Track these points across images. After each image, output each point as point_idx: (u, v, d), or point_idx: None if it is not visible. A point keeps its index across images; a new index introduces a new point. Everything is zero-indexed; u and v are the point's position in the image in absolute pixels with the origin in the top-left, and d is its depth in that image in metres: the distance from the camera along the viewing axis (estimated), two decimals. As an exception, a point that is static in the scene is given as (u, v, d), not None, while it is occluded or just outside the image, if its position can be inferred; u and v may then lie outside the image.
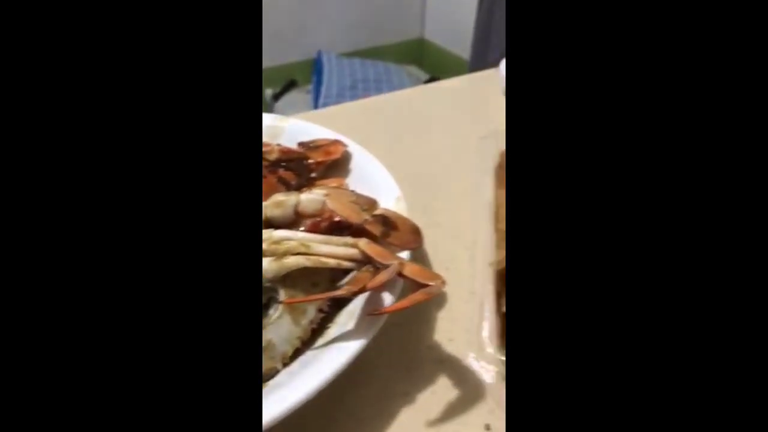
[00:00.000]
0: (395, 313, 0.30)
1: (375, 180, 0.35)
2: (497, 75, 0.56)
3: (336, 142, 0.38)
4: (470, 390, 0.27)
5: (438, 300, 0.32)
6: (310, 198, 0.28)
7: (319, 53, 1.63)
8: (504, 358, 0.26)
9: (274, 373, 0.24)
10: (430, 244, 0.37)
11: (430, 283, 0.24)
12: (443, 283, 0.23)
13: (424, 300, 0.23)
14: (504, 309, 0.29)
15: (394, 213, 0.29)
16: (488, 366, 0.25)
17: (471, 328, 0.27)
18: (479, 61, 1.40)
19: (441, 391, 0.27)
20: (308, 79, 1.66)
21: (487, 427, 0.26)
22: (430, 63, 1.85)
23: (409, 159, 0.47)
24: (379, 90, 1.59)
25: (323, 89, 1.55)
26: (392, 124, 0.53)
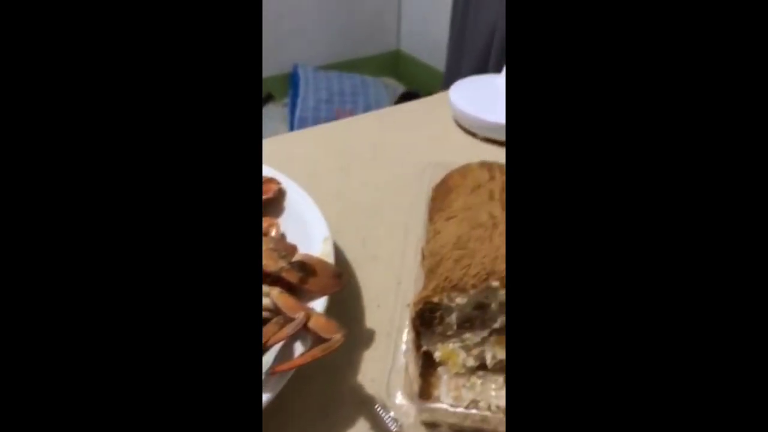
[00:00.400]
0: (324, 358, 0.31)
1: (306, 220, 0.35)
2: (449, 99, 0.57)
3: (270, 180, 0.38)
4: (386, 433, 0.27)
5: (364, 339, 0.33)
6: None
7: (295, 67, 1.64)
8: (419, 405, 0.27)
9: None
10: (365, 279, 0.37)
11: (331, 337, 0.24)
12: (343, 337, 0.24)
13: (321, 356, 0.24)
14: (421, 350, 0.29)
15: (315, 258, 0.30)
16: (393, 415, 0.25)
17: (392, 369, 0.27)
18: (454, 73, 1.42)
19: (358, 435, 0.27)
20: (285, 92, 1.66)
21: (399, 472, 0.26)
22: (406, 75, 1.86)
23: (355, 188, 0.47)
24: (355, 102, 1.60)
25: (299, 102, 1.55)
26: (343, 152, 0.53)
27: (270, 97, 1.68)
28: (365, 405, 0.29)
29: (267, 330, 0.25)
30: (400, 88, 1.76)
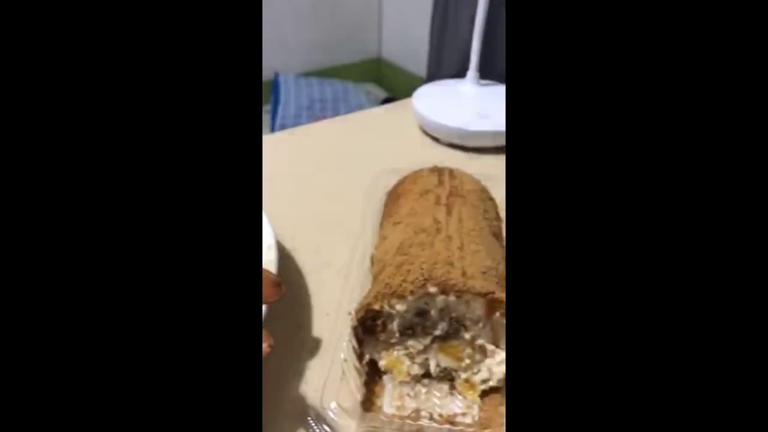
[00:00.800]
0: (267, 367, 0.30)
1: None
2: (413, 105, 0.57)
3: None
4: (325, 446, 0.27)
5: (311, 347, 0.32)
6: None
7: (277, 74, 1.64)
8: (361, 415, 0.26)
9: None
10: (316, 287, 0.37)
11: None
12: (269, 347, 0.23)
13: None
14: (364, 359, 0.29)
15: (255, 265, 0.29)
16: (326, 428, 0.25)
17: (328, 379, 0.27)
18: (434, 80, 1.43)
19: (297, 448, 0.27)
20: (266, 99, 1.66)
21: (335, 485, 0.25)
22: (388, 81, 1.87)
23: (312, 195, 0.47)
24: (336, 110, 1.60)
25: (280, 109, 1.55)
26: (301, 159, 0.53)
27: (251, 104, 1.67)
28: (302, 416, 0.28)
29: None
30: (382, 95, 1.76)
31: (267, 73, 1.67)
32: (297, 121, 1.56)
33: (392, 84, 1.84)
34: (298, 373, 0.30)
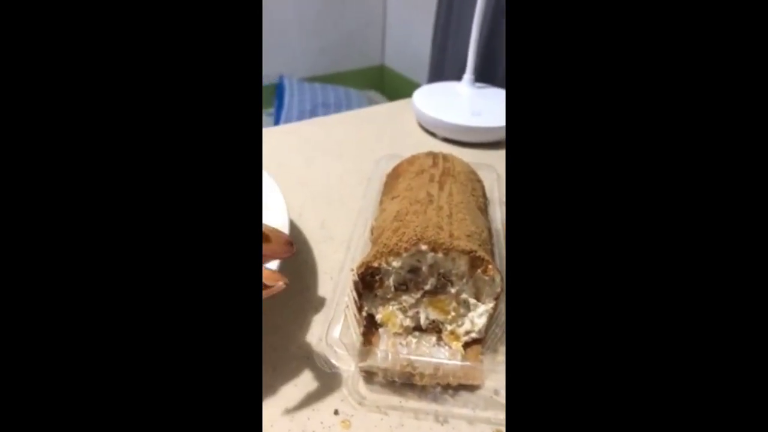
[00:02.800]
0: (275, 317, 0.34)
1: (269, 198, 0.39)
2: (412, 102, 0.61)
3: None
4: (327, 382, 0.31)
5: (315, 305, 0.36)
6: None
7: (281, 77, 1.69)
8: (360, 354, 0.30)
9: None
10: (321, 256, 0.41)
11: (274, 284, 0.27)
12: (285, 284, 0.27)
13: (264, 298, 0.27)
14: (363, 311, 0.33)
15: (270, 227, 0.33)
16: (335, 362, 0.28)
17: (332, 320, 0.31)
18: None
19: (302, 384, 0.31)
20: (270, 102, 1.71)
21: (336, 411, 0.29)
22: (390, 88, 1.92)
23: (318, 179, 0.51)
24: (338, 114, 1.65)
25: (284, 112, 1.59)
26: (310, 147, 0.57)
27: (256, 107, 1.72)
28: (310, 359, 0.32)
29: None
30: (383, 101, 1.82)
31: (271, 77, 1.72)
32: (300, 124, 1.60)
33: (394, 91, 1.89)
34: (304, 325, 0.35)
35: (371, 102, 1.76)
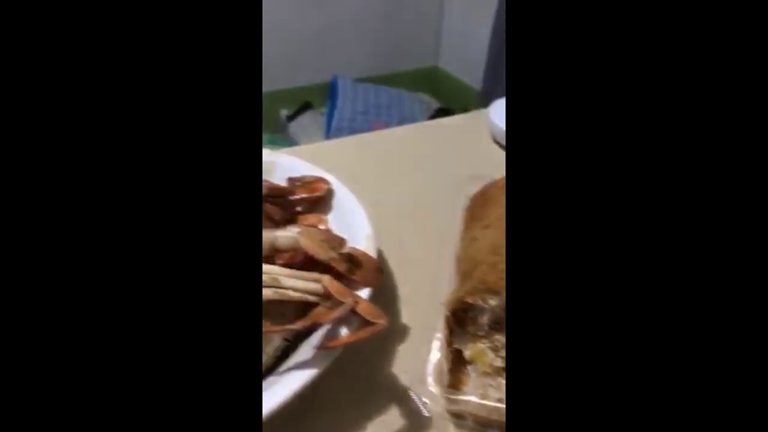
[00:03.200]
0: (357, 344, 0.33)
1: (351, 218, 0.38)
2: (488, 116, 0.59)
3: (320, 180, 0.41)
4: (415, 421, 0.29)
5: (399, 333, 0.35)
6: (285, 235, 0.31)
7: (335, 77, 1.69)
8: (448, 395, 0.29)
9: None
10: (399, 279, 0.40)
11: (376, 322, 0.26)
12: (386, 322, 0.26)
13: (366, 337, 0.26)
14: (453, 347, 0.31)
15: (360, 252, 0.32)
16: (427, 401, 0.27)
17: (423, 363, 0.29)
18: (489, 92, 1.44)
19: (390, 420, 0.29)
20: (323, 101, 1.72)
21: (426, 455, 0.28)
22: (442, 91, 1.89)
23: (393, 196, 0.50)
24: (390, 116, 1.64)
25: (337, 113, 1.60)
26: (381, 161, 0.56)
27: (308, 105, 1.73)
28: (398, 393, 0.31)
29: (318, 312, 0.28)
30: (435, 104, 1.79)
31: (325, 76, 1.73)
32: (352, 125, 1.60)
33: (446, 94, 1.86)
34: (388, 355, 0.33)
35: (422, 105, 1.74)
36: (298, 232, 0.31)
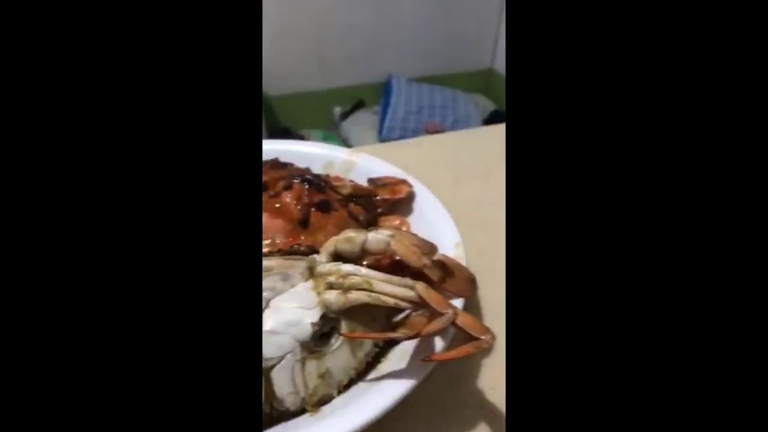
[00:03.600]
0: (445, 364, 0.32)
1: (437, 223, 0.37)
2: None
3: (402, 182, 0.40)
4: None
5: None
6: (376, 237, 0.30)
7: (390, 77, 1.69)
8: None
9: (329, 399, 0.26)
10: (483, 289, 0.38)
11: (481, 337, 0.25)
12: (492, 338, 0.25)
13: (472, 353, 0.25)
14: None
15: (452, 260, 0.31)
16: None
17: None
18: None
19: (480, 438, 0.28)
20: (376, 100, 1.72)
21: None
22: (497, 94, 1.85)
23: (469, 200, 0.48)
24: (443, 117, 1.62)
25: (390, 111, 1.60)
26: (456, 162, 0.55)
27: (361, 104, 1.74)
28: (485, 410, 0.29)
29: (416, 321, 0.27)
30: (490, 107, 1.75)
31: (380, 75, 1.73)
32: (405, 125, 1.59)
33: (501, 97, 1.82)
34: (473, 370, 0.32)
35: (477, 106, 1.70)
36: (390, 236, 0.30)
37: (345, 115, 1.71)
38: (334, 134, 1.67)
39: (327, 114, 1.74)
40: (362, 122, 1.69)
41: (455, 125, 1.60)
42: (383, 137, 1.57)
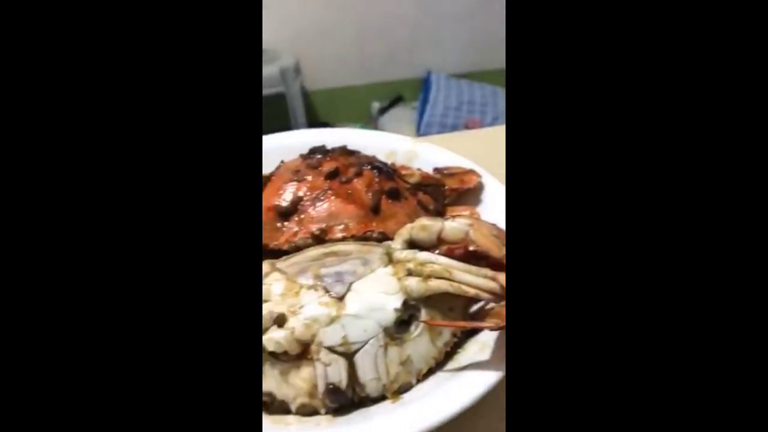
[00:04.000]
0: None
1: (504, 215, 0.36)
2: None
3: (471, 172, 0.39)
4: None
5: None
6: (454, 226, 0.30)
7: (429, 73, 1.68)
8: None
9: (408, 387, 0.26)
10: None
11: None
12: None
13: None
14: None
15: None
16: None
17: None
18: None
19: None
20: (415, 96, 1.71)
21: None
22: (538, 91, 1.81)
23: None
24: (483, 113, 1.59)
25: (428, 107, 1.58)
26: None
27: (400, 99, 1.73)
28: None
29: (499, 312, 0.26)
30: (530, 104, 1.72)
31: (419, 70, 1.72)
32: (443, 121, 1.58)
33: (542, 94, 1.78)
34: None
35: (518, 104, 1.67)
36: (469, 225, 0.30)
37: (383, 111, 1.71)
38: (371, 129, 1.67)
39: (365, 109, 1.74)
40: (400, 118, 1.68)
41: (495, 122, 1.57)
42: (421, 133, 1.56)
